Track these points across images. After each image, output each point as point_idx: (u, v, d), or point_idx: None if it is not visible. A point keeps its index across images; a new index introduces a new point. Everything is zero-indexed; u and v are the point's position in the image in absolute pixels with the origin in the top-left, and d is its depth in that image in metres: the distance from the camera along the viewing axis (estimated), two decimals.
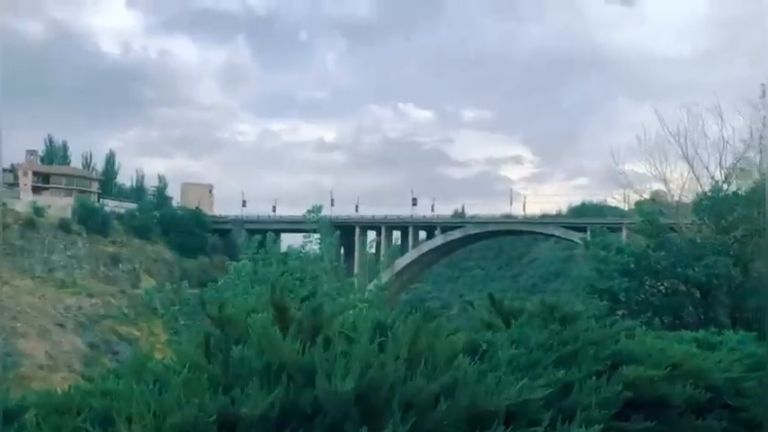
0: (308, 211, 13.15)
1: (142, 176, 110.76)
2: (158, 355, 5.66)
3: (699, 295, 16.41)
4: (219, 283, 10.10)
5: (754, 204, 17.01)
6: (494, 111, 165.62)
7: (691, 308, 16.36)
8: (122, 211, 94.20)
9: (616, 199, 26.35)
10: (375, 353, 3.71)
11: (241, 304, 6.43)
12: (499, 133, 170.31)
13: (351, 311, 5.98)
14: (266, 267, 10.02)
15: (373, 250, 78.25)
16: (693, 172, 19.57)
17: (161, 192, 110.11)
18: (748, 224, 16.59)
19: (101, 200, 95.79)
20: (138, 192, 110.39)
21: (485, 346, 5.07)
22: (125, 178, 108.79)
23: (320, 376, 3.22)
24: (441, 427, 3.46)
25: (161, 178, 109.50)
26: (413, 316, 4.09)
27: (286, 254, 11.12)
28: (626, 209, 32.78)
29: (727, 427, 6.79)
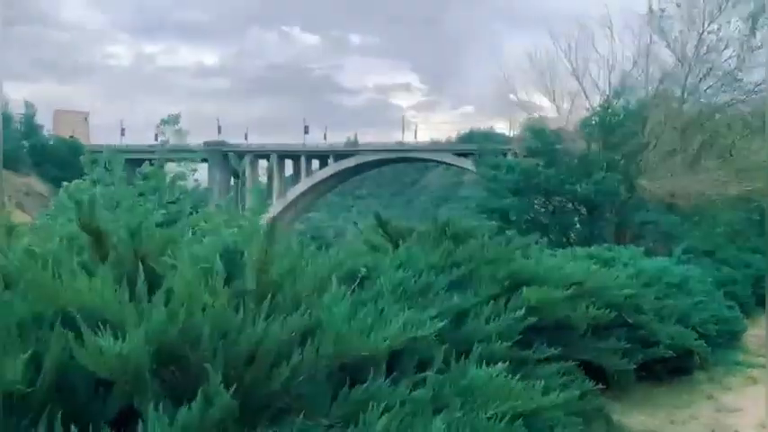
0: (163, 121, 11.27)
1: (6, 102, 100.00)
2: None
3: (586, 212, 16.43)
4: (52, 207, 8.49)
5: (640, 121, 17.10)
6: (379, 36, 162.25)
7: (578, 225, 16.39)
8: None
9: (512, 121, 25.62)
10: (201, 289, 2.62)
11: (53, 230, 5.10)
12: (387, 60, 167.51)
13: (205, 238, 4.82)
14: (115, 189, 8.52)
15: (265, 179, 75.87)
16: (582, 88, 19.35)
17: (29, 119, 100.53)
18: (635, 140, 16.67)
19: None
20: (2, 119, 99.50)
21: (364, 271, 4.11)
22: None
23: (87, 333, 2.11)
24: (294, 385, 2.47)
25: (28, 105, 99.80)
26: (259, 237, 3.01)
27: (146, 175, 9.59)
28: (512, 135, 33.02)
29: (628, 348, 6.35)
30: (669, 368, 7.49)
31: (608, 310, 6.00)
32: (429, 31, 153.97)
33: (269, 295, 2.93)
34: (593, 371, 6.29)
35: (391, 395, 2.62)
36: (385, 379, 2.99)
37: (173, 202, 8.71)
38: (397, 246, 6.50)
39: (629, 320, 6.81)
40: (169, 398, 2.21)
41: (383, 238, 6.99)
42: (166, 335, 2.25)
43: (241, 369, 2.43)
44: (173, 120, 11.03)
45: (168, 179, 9.28)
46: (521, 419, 2.90)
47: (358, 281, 3.91)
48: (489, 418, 2.86)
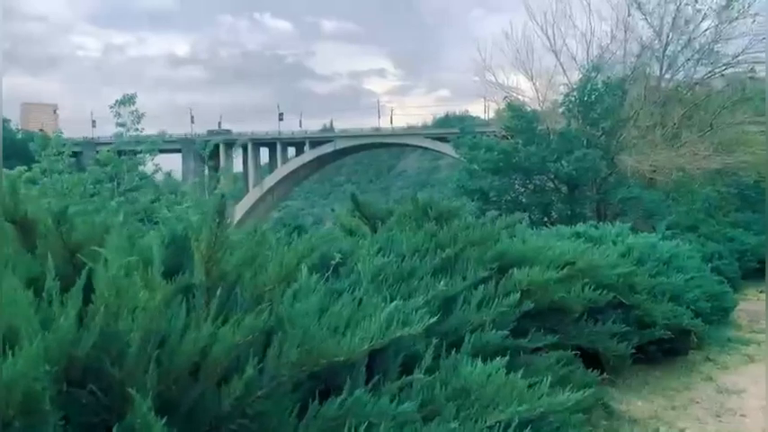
0: (117, 101, 10.43)
1: None
2: None
3: (566, 190, 16.07)
4: None
5: (619, 95, 16.72)
6: (352, 21, 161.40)
7: (559, 204, 16.02)
8: None
9: (489, 100, 24.97)
10: (133, 284, 2.12)
11: None
12: (360, 45, 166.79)
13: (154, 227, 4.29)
14: (67, 176, 7.90)
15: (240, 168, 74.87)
16: (560, 63, 18.90)
17: None
18: (614, 116, 16.31)
19: None
20: None
21: (338, 257, 3.61)
22: None
23: None
24: (250, 401, 1.98)
25: None
26: (209, 220, 2.49)
27: (99, 161, 8.96)
28: (487, 118, 32.64)
29: (628, 332, 5.94)
30: (664, 349, 7.13)
31: (604, 290, 5.61)
32: (403, 16, 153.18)
33: (223, 290, 2.44)
34: (586, 354, 5.90)
35: (373, 408, 2.15)
36: (366, 383, 2.53)
37: (131, 190, 8.11)
38: (375, 229, 6.04)
39: (624, 301, 6.41)
40: (88, 426, 1.71)
41: (361, 221, 6.53)
42: (79, 346, 1.74)
43: (183, 385, 1.93)
44: (128, 100, 10.28)
45: (125, 165, 8.65)
46: (529, 427, 2.44)
47: (332, 269, 3.42)
48: (491, 428, 2.41)
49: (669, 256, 8.92)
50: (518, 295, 4.11)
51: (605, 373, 6.23)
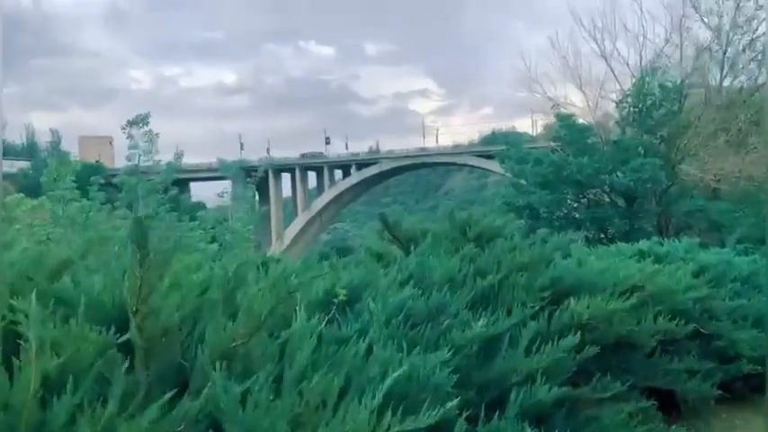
0: (129, 122, 9.93)
1: (32, 132, 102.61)
2: None
3: (624, 204, 14.96)
4: None
5: (677, 101, 15.60)
6: (394, 43, 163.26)
7: (617, 219, 14.90)
8: (14, 170, 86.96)
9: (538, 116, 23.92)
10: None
11: None
12: (402, 66, 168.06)
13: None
14: (68, 204, 7.54)
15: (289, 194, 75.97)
16: (611, 68, 17.80)
17: (55, 146, 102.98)
18: (673, 122, 15.19)
19: None
20: (30, 148, 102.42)
21: (343, 293, 2.86)
22: (13, 135, 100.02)
23: None
24: None
25: (54, 133, 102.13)
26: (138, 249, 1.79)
27: (101, 186, 8.63)
28: (534, 134, 31.70)
29: (710, 368, 5.00)
30: (752, 385, 6.10)
31: (681, 320, 4.71)
32: (443, 36, 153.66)
33: (157, 353, 1.75)
34: (657, 391, 4.99)
35: None
36: None
37: (149, 217, 7.60)
38: (408, 252, 5.30)
39: (703, 330, 5.46)
40: None
41: (392, 243, 5.80)
42: None
43: None
44: (141, 119, 9.82)
45: (140, 190, 8.18)
46: None
47: (333, 310, 2.69)
48: None
49: (748, 273, 7.88)
50: (577, 337, 3.26)
51: (682, 415, 5.31)
